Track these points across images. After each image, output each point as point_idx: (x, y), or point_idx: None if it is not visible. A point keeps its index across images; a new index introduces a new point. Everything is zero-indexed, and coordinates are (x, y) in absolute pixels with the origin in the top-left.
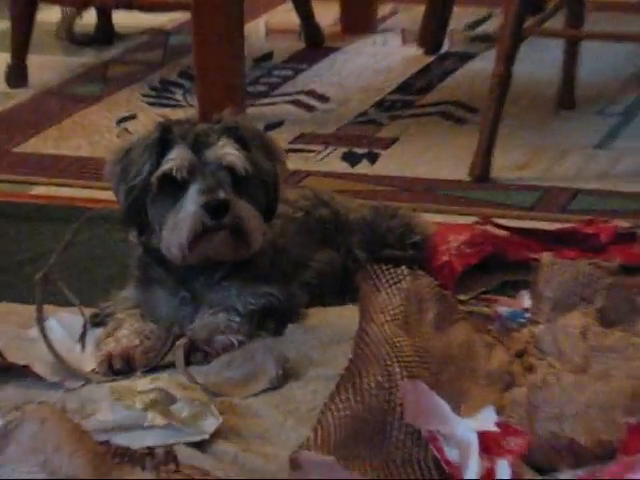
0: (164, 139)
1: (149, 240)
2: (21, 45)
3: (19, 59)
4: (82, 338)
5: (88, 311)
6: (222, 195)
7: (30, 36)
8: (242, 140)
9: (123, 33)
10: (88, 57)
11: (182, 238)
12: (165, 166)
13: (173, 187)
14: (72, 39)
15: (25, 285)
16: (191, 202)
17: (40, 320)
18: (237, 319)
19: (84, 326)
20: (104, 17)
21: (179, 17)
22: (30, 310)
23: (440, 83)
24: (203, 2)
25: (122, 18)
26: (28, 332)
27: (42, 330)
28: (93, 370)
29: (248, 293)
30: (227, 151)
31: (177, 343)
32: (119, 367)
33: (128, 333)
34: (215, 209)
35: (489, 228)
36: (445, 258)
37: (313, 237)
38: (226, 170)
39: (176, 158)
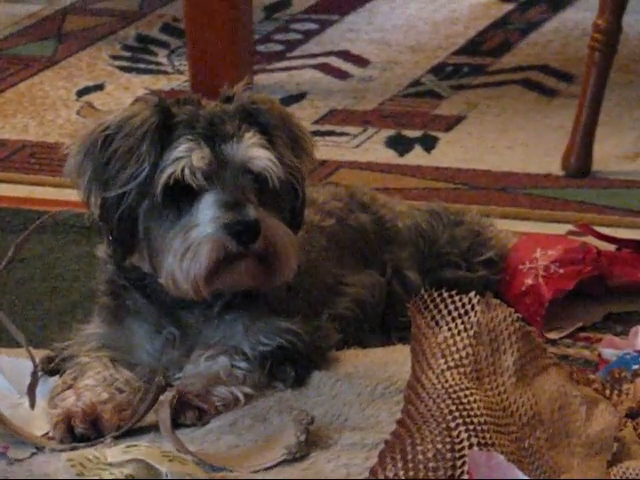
0: (165, 126)
1: (124, 256)
2: None
3: None
4: (31, 390)
5: (39, 353)
6: (251, 214)
7: None
8: (263, 128)
9: None
10: (37, 4)
11: (198, 269)
12: (172, 168)
13: (179, 194)
14: None
15: None
16: (209, 220)
17: None
18: (243, 364)
19: (33, 374)
20: None
21: None
22: None
23: (521, 41)
24: None
25: None
26: None
27: None
28: (46, 434)
29: (259, 329)
30: (256, 153)
31: (161, 398)
32: (81, 430)
33: (94, 384)
34: (242, 233)
35: (589, 240)
36: (530, 282)
37: (348, 252)
38: (251, 174)
39: (189, 156)
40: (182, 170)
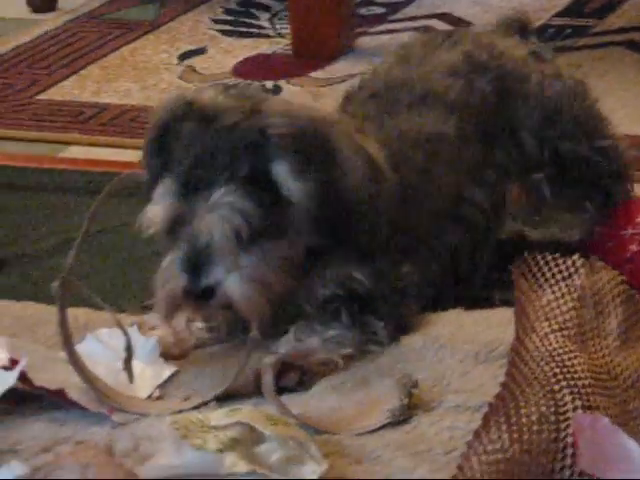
0: (165, 143)
1: None
2: None
3: None
4: (127, 364)
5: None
6: (203, 282)
7: None
8: (298, 154)
9: None
10: None
11: (160, 305)
12: (147, 214)
13: None
14: None
15: (50, 281)
16: (171, 270)
17: (67, 341)
18: (335, 324)
19: (127, 348)
20: None
21: None
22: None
23: (625, 2)
24: None
25: None
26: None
27: (71, 354)
28: (150, 396)
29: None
30: (222, 210)
31: (264, 362)
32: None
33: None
34: (196, 297)
35: None
36: (635, 247)
37: (469, 142)
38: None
39: (157, 209)
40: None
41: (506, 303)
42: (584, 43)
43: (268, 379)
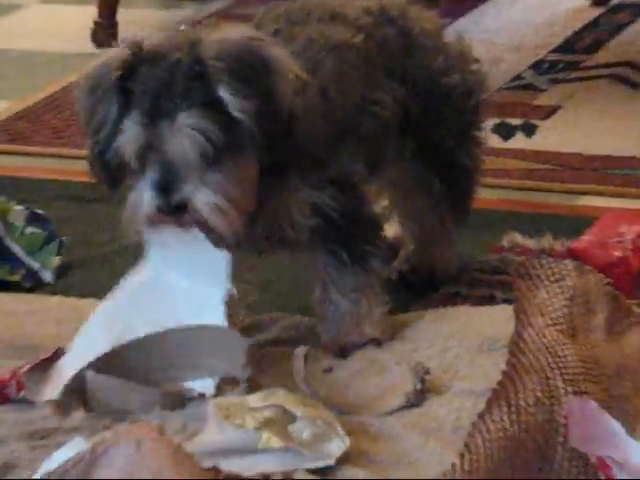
0: (125, 88)
1: None
2: None
3: (107, 14)
4: None
5: None
6: (176, 197)
7: None
8: (236, 76)
9: None
10: (187, 10)
11: (137, 225)
12: (119, 148)
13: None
14: None
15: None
16: (144, 195)
17: None
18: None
19: None
20: None
21: None
22: None
23: (611, 40)
24: None
25: None
26: None
27: None
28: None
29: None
30: (186, 132)
31: (295, 351)
32: None
33: None
34: (171, 213)
35: None
36: (619, 253)
37: (375, 68)
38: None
39: (127, 139)
40: (123, 153)
41: (507, 301)
42: (575, 76)
43: (299, 366)
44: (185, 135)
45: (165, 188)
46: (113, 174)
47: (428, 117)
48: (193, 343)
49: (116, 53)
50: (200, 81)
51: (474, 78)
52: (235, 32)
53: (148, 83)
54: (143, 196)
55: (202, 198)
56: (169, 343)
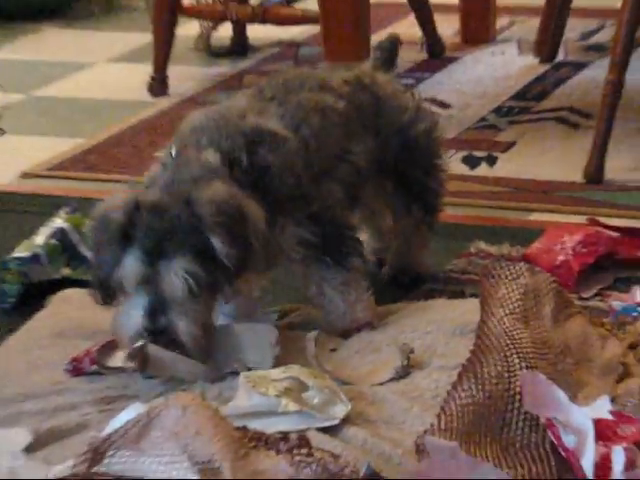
0: (127, 234)
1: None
2: (162, 57)
3: (160, 70)
4: None
5: None
6: (161, 322)
7: (171, 49)
8: (223, 229)
9: (257, 45)
10: (224, 68)
11: (122, 339)
12: (119, 274)
13: None
14: (209, 51)
15: None
16: (133, 314)
17: None
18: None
19: None
20: (239, 30)
21: (309, 30)
22: None
23: (555, 90)
24: (331, 15)
25: (256, 31)
26: None
27: None
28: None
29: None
30: (180, 274)
31: (307, 335)
32: None
33: None
34: (152, 334)
35: (599, 229)
36: (562, 258)
37: (353, 125)
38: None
39: (128, 271)
40: (122, 280)
41: (474, 296)
42: (527, 118)
43: (310, 347)
44: (179, 276)
45: (152, 313)
46: (109, 293)
47: (400, 161)
48: (234, 336)
49: (120, 202)
50: (195, 232)
51: (430, 123)
52: (221, 190)
53: (150, 230)
54: (132, 315)
55: (182, 325)
56: (219, 334)
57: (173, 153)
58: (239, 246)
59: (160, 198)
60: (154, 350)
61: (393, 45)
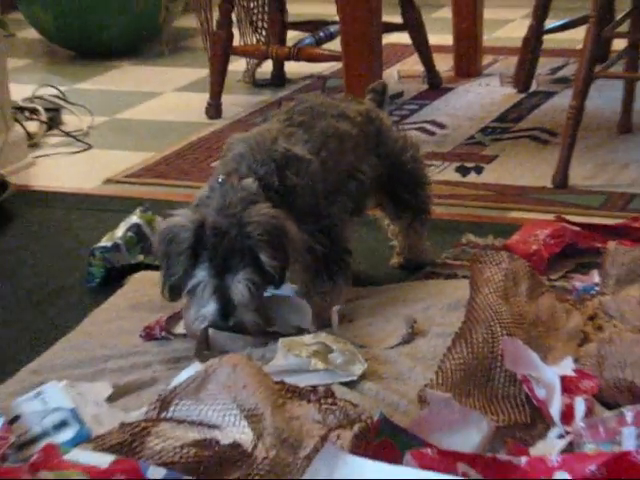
0: (195, 250)
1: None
2: (217, 87)
3: (215, 98)
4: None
5: None
6: (234, 320)
7: (224, 81)
8: (270, 246)
9: (292, 78)
10: (266, 96)
11: (194, 331)
12: (192, 283)
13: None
14: (254, 83)
15: None
16: (207, 315)
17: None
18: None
19: None
20: (278, 66)
21: (334, 65)
22: None
23: (529, 114)
24: (351, 55)
25: (292, 66)
26: None
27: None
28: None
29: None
30: (244, 283)
31: (332, 309)
32: None
33: None
34: (226, 327)
35: (564, 224)
36: (535, 247)
37: (362, 149)
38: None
39: (199, 282)
40: (195, 288)
41: (465, 278)
42: (507, 136)
43: (335, 318)
44: (244, 285)
45: (225, 315)
46: (177, 294)
47: (393, 179)
48: (279, 305)
49: (187, 222)
50: (248, 249)
51: (415, 150)
52: (265, 212)
53: (215, 249)
54: (205, 316)
55: (249, 321)
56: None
57: (220, 180)
58: (281, 259)
59: (219, 220)
60: (214, 334)
61: (384, 89)
